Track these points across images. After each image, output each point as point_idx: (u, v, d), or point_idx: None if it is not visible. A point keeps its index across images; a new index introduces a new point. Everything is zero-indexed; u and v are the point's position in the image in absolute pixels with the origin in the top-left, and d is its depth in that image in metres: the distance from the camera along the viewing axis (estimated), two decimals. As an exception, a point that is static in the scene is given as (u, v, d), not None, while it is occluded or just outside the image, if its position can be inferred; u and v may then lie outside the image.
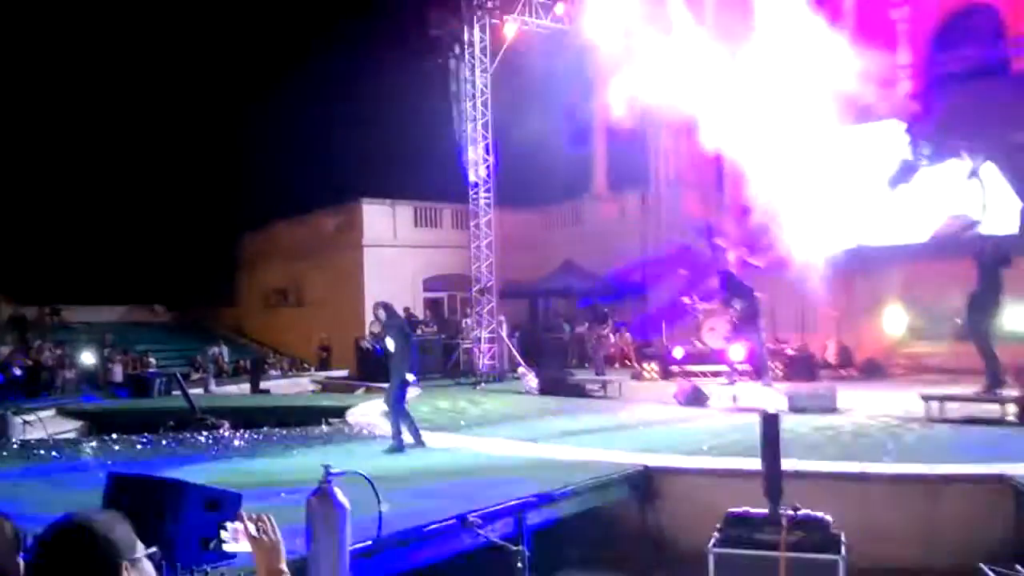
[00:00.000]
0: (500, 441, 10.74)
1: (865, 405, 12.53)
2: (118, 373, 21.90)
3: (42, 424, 14.36)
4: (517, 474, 8.76)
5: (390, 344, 10.44)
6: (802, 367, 16.20)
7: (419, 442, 10.38)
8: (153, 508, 5.55)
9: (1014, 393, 11.08)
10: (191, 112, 29.92)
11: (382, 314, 10.68)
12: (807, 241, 15.93)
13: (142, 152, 29.87)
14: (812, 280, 15.89)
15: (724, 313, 16.09)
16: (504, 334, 20.01)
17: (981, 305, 11.77)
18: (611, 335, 18.79)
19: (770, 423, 6.45)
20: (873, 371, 16.38)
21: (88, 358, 23.05)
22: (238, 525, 2.54)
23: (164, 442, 11.83)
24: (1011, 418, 10.36)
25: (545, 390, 16.07)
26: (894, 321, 17.06)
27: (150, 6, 28.86)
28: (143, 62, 29.32)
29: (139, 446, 11.61)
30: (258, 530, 2.38)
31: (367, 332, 11.51)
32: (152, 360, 23.60)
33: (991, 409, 10.81)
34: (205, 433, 12.50)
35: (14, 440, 12.47)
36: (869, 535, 6.97)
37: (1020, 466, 7.81)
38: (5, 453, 11.42)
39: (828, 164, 17.32)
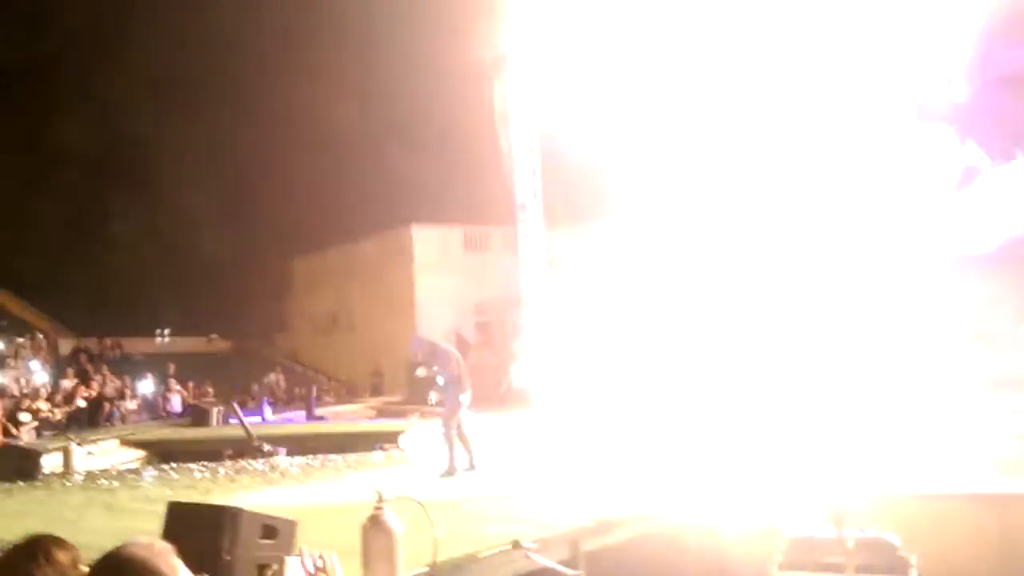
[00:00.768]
0: (555, 465, 10.64)
1: (935, 419, 12.16)
2: (177, 403, 22.24)
3: (105, 454, 14.66)
4: (573, 497, 8.66)
5: (440, 380, 10.42)
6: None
7: (473, 466, 10.33)
8: (211, 535, 5.59)
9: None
10: (239, 141, 30.50)
11: (419, 356, 10.67)
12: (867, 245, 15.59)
13: (194, 183, 30.48)
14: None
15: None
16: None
17: None
18: None
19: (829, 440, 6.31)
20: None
21: (148, 388, 23.47)
22: (298, 559, 2.52)
23: (222, 470, 11.97)
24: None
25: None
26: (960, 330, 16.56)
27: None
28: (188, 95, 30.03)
29: (198, 474, 11.76)
30: (317, 569, 2.36)
31: (431, 400, 11.44)
32: (210, 389, 23.94)
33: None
34: (262, 460, 12.62)
35: (78, 470, 12.72)
36: (940, 557, 6.73)
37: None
38: (69, 483, 11.65)
39: (887, 168, 16.94)
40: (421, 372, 10.84)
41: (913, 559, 5.77)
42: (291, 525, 6.06)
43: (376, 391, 25.39)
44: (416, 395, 19.56)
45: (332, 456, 12.58)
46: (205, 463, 12.61)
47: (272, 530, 5.95)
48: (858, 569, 5.50)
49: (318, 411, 20.90)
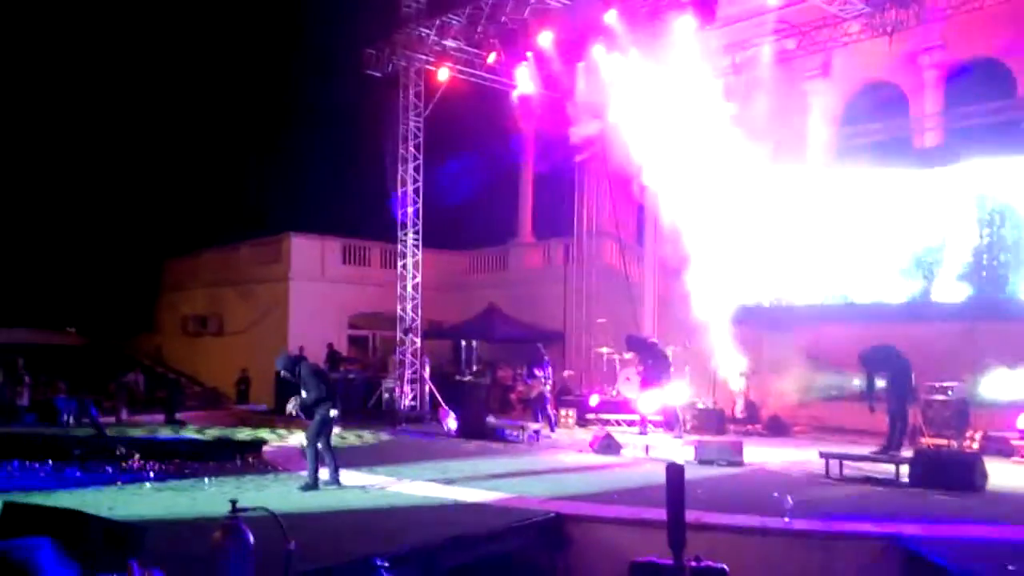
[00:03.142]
0: (416, 482, 10.80)
1: (768, 460, 12.99)
2: (25, 397, 21.13)
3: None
4: (431, 516, 8.85)
5: (306, 394, 10.34)
6: (711, 421, 16.69)
7: (335, 480, 10.36)
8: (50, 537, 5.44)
9: (908, 454, 11.68)
10: (118, 134, 29.40)
11: (282, 367, 10.52)
12: (718, 295, 16.59)
13: (61, 173, 29.18)
14: (720, 336, 16.58)
15: (638, 365, 16.51)
16: (427, 375, 20.07)
17: (893, 372, 12.60)
18: (547, 381, 18.33)
19: (675, 474, 6.66)
20: (778, 427, 16.95)
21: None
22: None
23: (69, 471, 11.55)
24: (904, 479, 10.86)
25: (464, 433, 16.17)
26: (799, 380, 17.72)
27: (87, 38, 28.42)
28: (70, 84, 28.78)
29: (43, 474, 11.32)
30: None
31: (288, 410, 11.12)
32: (62, 385, 22.84)
33: (887, 469, 11.32)
34: (114, 463, 12.24)
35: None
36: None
37: (910, 526, 8.23)
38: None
39: (747, 223, 18.03)
40: (292, 405, 10.62)
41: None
42: (139, 532, 5.96)
43: (242, 399, 24.84)
44: (282, 405, 19.30)
45: (190, 463, 12.33)
46: (51, 462, 12.13)
47: (117, 537, 5.81)
48: (692, 596, 5.88)
49: (179, 415, 20.31)
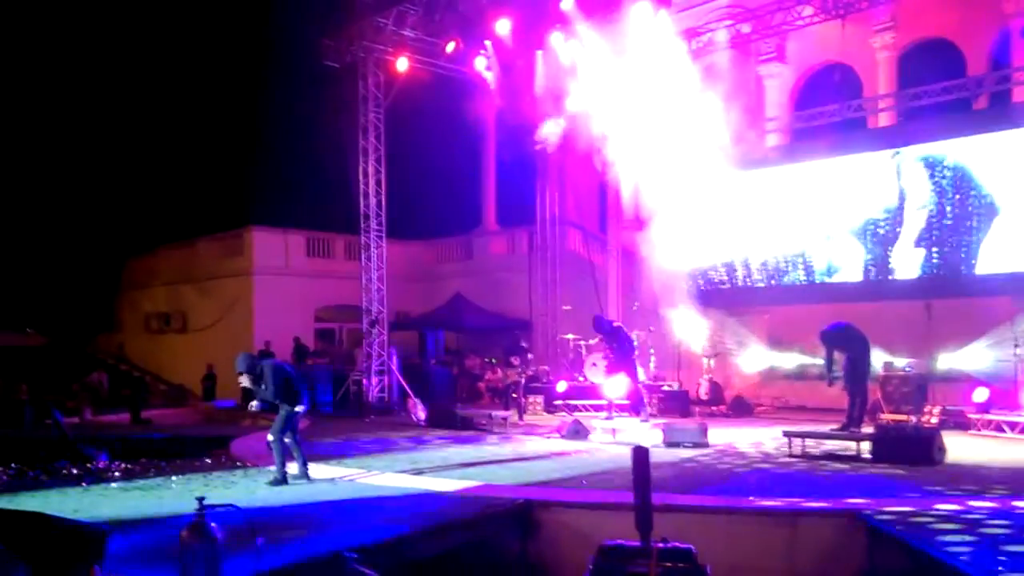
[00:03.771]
0: (386, 474, 10.82)
1: (733, 440, 13.19)
2: (-14, 400, 20.80)
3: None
4: (401, 506, 8.87)
5: (267, 393, 10.20)
6: (677, 403, 16.90)
7: (304, 475, 10.34)
8: (9, 541, 5.38)
9: (869, 431, 11.92)
10: (74, 131, 28.92)
11: (243, 369, 10.24)
12: (680, 278, 16.80)
13: (15, 172, 28.64)
14: (684, 318, 16.78)
15: (604, 350, 16.63)
16: (395, 366, 20.05)
17: (852, 349, 12.81)
18: (523, 369, 18.35)
19: (641, 457, 6.74)
20: (741, 408, 17.21)
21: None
22: None
23: (32, 473, 11.41)
24: (866, 455, 11.09)
25: (433, 423, 16.21)
26: (761, 360, 18.00)
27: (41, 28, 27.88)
28: (23, 82, 28.24)
29: (5, 478, 11.18)
30: None
31: (246, 405, 10.85)
32: (24, 386, 22.52)
33: (848, 446, 11.55)
34: (79, 464, 12.11)
35: None
36: (733, 566, 7.39)
37: (872, 501, 8.41)
38: None
39: (707, 206, 18.25)
40: (255, 400, 10.47)
41: (708, 568, 6.31)
42: (101, 534, 5.90)
43: (209, 395, 24.65)
44: (249, 401, 19.17)
45: (157, 462, 12.24)
46: (15, 465, 11.97)
47: (80, 538, 5.75)
48: (660, 576, 5.95)
49: (145, 414, 20.13)
